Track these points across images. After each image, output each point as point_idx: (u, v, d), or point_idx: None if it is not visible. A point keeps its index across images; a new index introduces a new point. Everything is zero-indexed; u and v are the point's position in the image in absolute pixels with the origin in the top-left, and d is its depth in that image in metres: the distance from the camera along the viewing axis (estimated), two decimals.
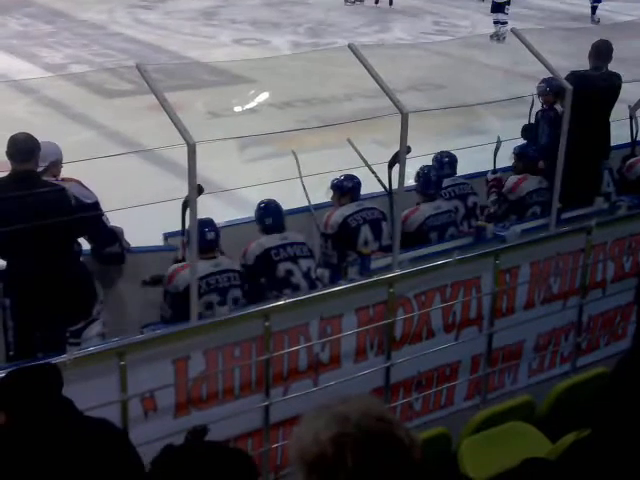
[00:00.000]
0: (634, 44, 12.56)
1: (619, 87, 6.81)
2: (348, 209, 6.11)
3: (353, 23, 18.20)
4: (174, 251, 5.58)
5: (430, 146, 7.20)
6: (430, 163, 6.64)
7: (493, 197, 6.80)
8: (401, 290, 5.17)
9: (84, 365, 4.12)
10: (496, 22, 17.43)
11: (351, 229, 6.03)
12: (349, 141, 6.47)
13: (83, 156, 5.26)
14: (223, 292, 5.19)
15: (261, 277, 5.47)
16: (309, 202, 6.35)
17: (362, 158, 6.31)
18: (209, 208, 5.81)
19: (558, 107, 7.13)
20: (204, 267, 5.07)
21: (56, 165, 5.25)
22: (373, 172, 6.16)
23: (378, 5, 20.48)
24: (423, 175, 6.29)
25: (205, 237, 5.13)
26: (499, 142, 7.02)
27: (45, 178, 5.04)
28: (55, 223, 4.66)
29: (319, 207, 6.38)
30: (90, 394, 3.87)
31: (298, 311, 4.86)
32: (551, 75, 7.18)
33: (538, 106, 7.37)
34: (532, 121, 7.33)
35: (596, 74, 6.66)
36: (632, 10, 17.36)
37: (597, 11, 18.48)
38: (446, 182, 6.58)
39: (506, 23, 16.72)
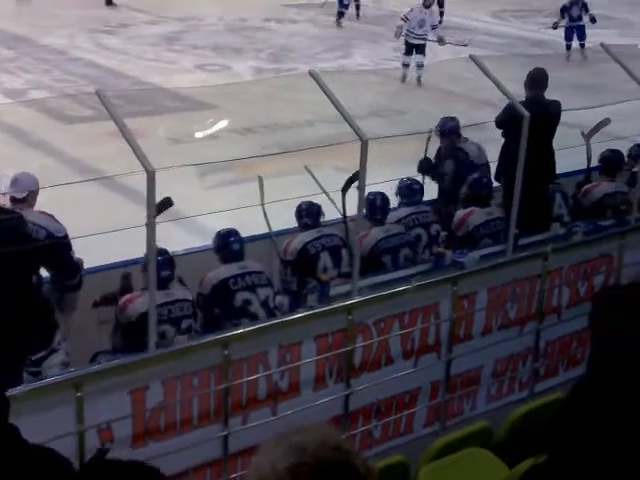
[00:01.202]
0: (593, 70, 12.78)
1: (559, 113, 6.92)
2: (308, 236, 6.13)
3: (315, 49, 18.31)
4: (125, 267, 5.56)
5: (391, 172, 7.23)
6: (386, 189, 6.67)
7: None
8: (360, 317, 5.19)
9: (40, 397, 4.09)
10: (406, 64, 15.57)
11: (310, 256, 6.05)
12: (306, 168, 6.49)
13: (42, 183, 5.26)
14: (176, 322, 5.17)
15: (217, 307, 5.46)
16: (270, 229, 6.36)
17: (319, 185, 6.33)
18: (169, 235, 5.81)
19: (472, 147, 7.27)
20: (157, 297, 5.02)
21: (33, 196, 5.27)
22: (330, 199, 6.18)
23: (358, 18, 21.51)
24: (369, 202, 6.34)
25: (160, 272, 5.08)
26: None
27: (18, 209, 5.04)
28: (11, 251, 4.63)
29: (280, 234, 6.40)
30: (46, 426, 3.83)
31: (257, 339, 4.86)
32: (450, 116, 7.35)
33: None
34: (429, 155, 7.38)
35: (536, 101, 6.74)
36: (590, 36, 17.63)
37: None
38: (409, 210, 6.62)
39: (423, 66, 15.40)
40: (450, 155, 7.35)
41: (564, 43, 18.20)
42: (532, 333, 6.07)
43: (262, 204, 6.39)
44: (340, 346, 5.12)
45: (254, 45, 18.47)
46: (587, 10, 18.17)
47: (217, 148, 10.43)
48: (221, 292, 5.48)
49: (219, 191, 9.27)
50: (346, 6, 21.38)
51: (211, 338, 4.79)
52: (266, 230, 6.36)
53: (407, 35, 15.56)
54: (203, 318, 5.50)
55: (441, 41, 15.23)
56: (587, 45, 17.44)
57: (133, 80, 15.08)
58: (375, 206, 6.36)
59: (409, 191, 6.75)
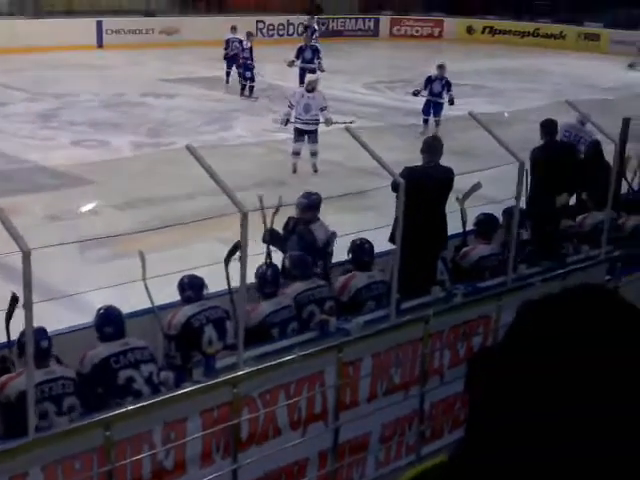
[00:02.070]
0: (465, 137, 13.24)
1: (452, 180, 7.17)
2: (191, 309, 6.08)
3: (194, 122, 18.37)
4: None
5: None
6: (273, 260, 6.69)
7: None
8: (246, 389, 5.15)
9: None
10: (296, 153, 14.42)
11: (195, 329, 5.99)
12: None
13: None
14: (58, 400, 5.04)
15: (99, 386, 5.34)
16: (152, 303, 6.28)
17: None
18: (50, 314, 5.69)
19: (320, 231, 7.21)
20: (37, 375, 4.87)
21: None
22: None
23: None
24: (259, 275, 6.35)
25: (39, 346, 4.99)
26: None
27: None
28: None
29: (163, 308, 6.32)
30: None
31: (140, 418, 4.76)
32: (312, 191, 7.38)
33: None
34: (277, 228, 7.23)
35: (430, 168, 6.98)
36: (463, 105, 18.22)
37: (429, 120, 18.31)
38: (304, 286, 6.53)
39: (317, 154, 14.43)
40: (298, 231, 7.24)
41: (420, 102, 18.34)
42: (416, 396, 6.14)
43: (144, 279, 6.31)
44: (226, 420, 5.06)
45: (132, 120, 18.39)
46: (449, 89, 18.22)
47: (96, 224, 10.29)
48: (102, 371, 5.37)
49: (100, 267, 9.11)
50: (251, 79, 21.34)
51: (92, 419, 4.67)
52: (149, 305, 6.28)
53: (295, 121, 14.58)
54: (85, 398, 5.36)
55: (328, 122, 15.00)
56: (458, 114, 17.92)
57: (8, 158, 14.75)
58: (265, 280, 6.35)
59: (301, 264, 6.69)
